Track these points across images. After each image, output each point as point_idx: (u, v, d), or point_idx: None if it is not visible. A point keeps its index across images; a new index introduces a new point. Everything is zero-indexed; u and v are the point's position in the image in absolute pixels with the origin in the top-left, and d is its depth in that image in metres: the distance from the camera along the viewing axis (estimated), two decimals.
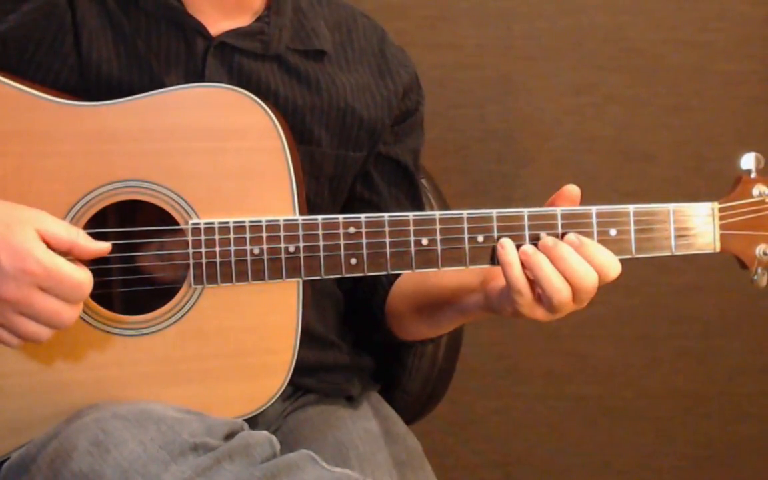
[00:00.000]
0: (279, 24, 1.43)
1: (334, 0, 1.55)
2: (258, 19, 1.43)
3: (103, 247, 1.23)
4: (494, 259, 1.28)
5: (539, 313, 1.27)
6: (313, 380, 1.50)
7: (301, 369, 1.35)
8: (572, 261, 1.25)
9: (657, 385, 2.51)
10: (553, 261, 1.25)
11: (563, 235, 1.28)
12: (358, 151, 1.50)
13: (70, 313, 1.19)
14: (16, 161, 1.27)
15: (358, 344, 1.58)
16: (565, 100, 2.38)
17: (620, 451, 2.54)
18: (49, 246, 1.18)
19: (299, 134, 1.38)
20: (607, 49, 2.38)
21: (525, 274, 1.26)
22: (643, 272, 2.40)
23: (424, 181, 1.73)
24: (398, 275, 1.52)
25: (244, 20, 1.43)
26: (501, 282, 1.29)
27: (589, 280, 1.25)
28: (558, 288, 1.24)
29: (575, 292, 1.25)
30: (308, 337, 1.36)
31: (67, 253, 1.19)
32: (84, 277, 1.19)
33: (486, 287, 1.34)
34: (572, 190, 1.31)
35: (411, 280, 1.50)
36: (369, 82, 1.51)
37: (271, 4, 1.45)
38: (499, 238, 1.27)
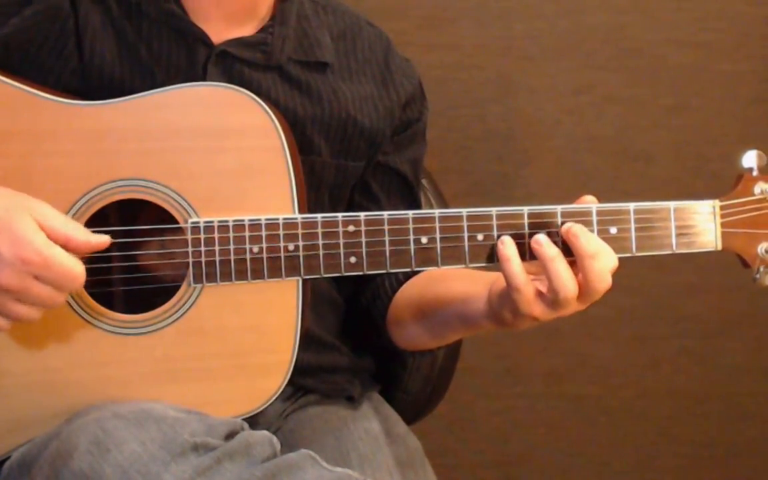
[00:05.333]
0: (282, 34, 1.43)
1: (340, 8, 1.55)
2: (262, 29, 1.43)
3: (101, 240, 1.24)
4: (493, 257, 1.28)
5: (538, 310, 1.25)
6: (313, 381, 1.50)
7: (301, 370, 1.35)
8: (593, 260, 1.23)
9: (657, 385, 2.51)
10: (576, 255, 1.24)
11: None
12: (358, 160, 1.50)
13: (61, 298, 1.21)
14: (17, 160, 1.28)
15: (358, 346, 1.58)
16: (565, 100, 2.39)
17: (620, 451, 2.54)
18: (47, 236, 1.18)
19: (300, 145, 1.37)
20: (607, 49, 2.38)
21: (525, 270, 1.25)
22: (643, 272, 2.40)
23: (424, 181, 1.73)
24: (401, 284, 1.52)
25: (249, 29, 1.43)
26: (502, 285, 1.28)
27: (605, 277, 1.24)
28: (566, 282, 1.22)
29: (584, 287, 1.24)
30: (308, 339, 1.36)
31: (63, 246, 1.19)
32: (79, 270, 1.20)
33: (490, 294, 1.32)
34: (589, 200, 1.30)
35: (416, 290, 1.49)
36: (371, 93, 1.51)
37: (276, 13, 1.45)
38: (499, 236, 1.27)
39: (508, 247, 1.24)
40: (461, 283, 1.39)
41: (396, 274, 1.50)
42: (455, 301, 1.39)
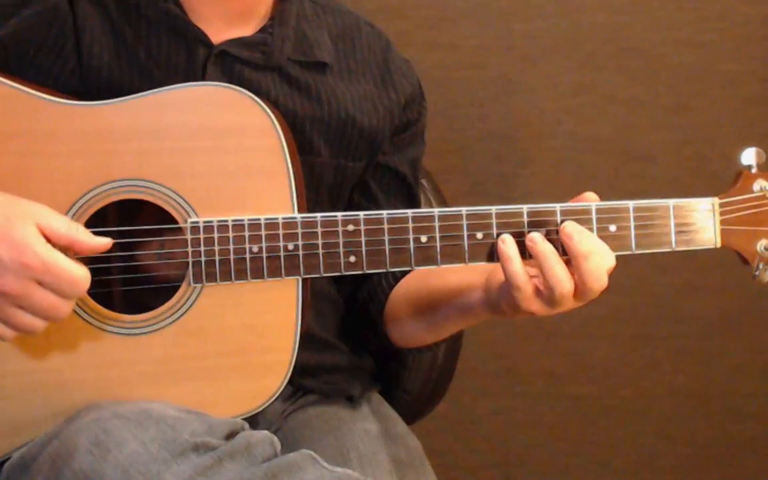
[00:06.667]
0: (282, 35, 1.43)
1: (339, 8, 1.55)
2: (262, 29, 1.43)
3: (104, 242, 1.23)
4: (492, 256, 1.28)
5: (536, 306, 1.26)
6: (313, 381, 1.50)
7: (301, 370, 1.35)
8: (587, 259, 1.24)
9: (657, 385, 2.51)
10: (570, 255, 1.24)
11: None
12: (358, 161, 1.50)
13: (66, 308, 1.20)
14: (15, 161, 1.28)
15: (358, 346, 1.58)
16: (565, 100, 2.39)
17: (620, 451, 2.54)
18: (49, 241, 1.18)
19: (299, 145, 1.37)
20: (607, 49, 2.38)
21: (525, 268, 1.25)
22: (643, 272, 2.40)
23: (424, 181, 1.73)
24: (397, 280, 1.52)
25: (248, 29, 1.43)
26: (501, 277, 1.29)
27: (600, 276, 1.24)
28: (561, 279, 1.23)
29: (580, 286, 1.24)
30: (308, 339, 1.36)
31: (67, 249, 1.19)
32: (81, 274, 1.19)
33: (489, 285, 1.33)
34: (591, 197, 1.31)
35: (413, 283, 1.50)
36: (371, 93, 1.51)
37: (275, 13, 1.45)
38: (498, 234, 1.27)
39: (508, 246, 1.25)
40: (456, 274, 1.39)
41: (393, 272, 1.50)
42: (452, 292, 1.40)
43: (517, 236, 1.26)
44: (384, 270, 1.29)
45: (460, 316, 1.41)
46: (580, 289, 1.24)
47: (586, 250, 1.24)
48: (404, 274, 1.51)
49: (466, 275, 1.37)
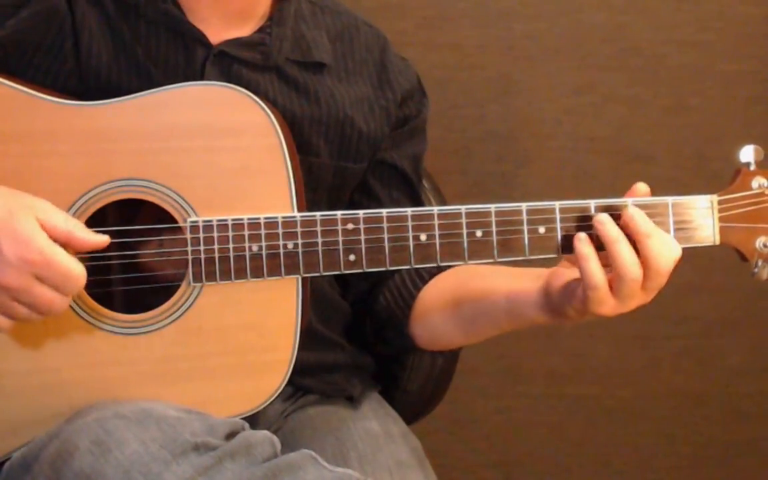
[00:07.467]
0: (280, 35, 1.44)
1: (338, 8, 1.55)
2: (260, 29, 1.43)
3: (101, 239, 1.24)
4: (492, 253, 1.27)
5: (608, 306, 1.23)
6: (313, 381, 1.50)
7: (301, 369, 1.35)
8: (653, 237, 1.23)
9: (657, 385, 2.51)
10: (633, 236, 1.23)
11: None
12: (359, 162, 1.50)
13: (62, 303, 1.21)
14: (15, 161, 1.28)
15: (358, 346, 1.58)
16: (565, 100, 2.39)
17: (620, 451, 2.54)
18: (48, 235, 1.19)
19: (298, 145, 1.37)
20: (607, 49, 2.38)
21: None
22: None
23: (424, 181, 1.73)
24: (425, 281, 1.50)
25: (247, 29, 1.43)
26: (562, 280, 1.27)
27: (667, 258, 1.23)
28: (630, 263, 1.21)
29: (646, 272, 1.22)
30: (309, 337, 1.36)
31: (64, 244, 1.20)
32: (79, 271, 1.20)
33: (549, 288, 1.30)
34: (641, 188, 1.30)
35: (449, 285, 1.47)
36: (368, 94, 1.50)
37: (273, 13, 1.45)
38: (497, 232, 1.27)
39: (585, 245, 1.23)
40: (505, 278, 1.38)
41: (418, 271, 1.49)
42: (502, 294, 1.37)
43: (515, 235, 1.26)
44: (384, 269, 1.29)
45: (509, 318, 1.38)
46: (645, 274, 1.22)
47: (649, 230, 1.23)
48: (431, 274, 1.49)
49: (519, 279, 1.36)
